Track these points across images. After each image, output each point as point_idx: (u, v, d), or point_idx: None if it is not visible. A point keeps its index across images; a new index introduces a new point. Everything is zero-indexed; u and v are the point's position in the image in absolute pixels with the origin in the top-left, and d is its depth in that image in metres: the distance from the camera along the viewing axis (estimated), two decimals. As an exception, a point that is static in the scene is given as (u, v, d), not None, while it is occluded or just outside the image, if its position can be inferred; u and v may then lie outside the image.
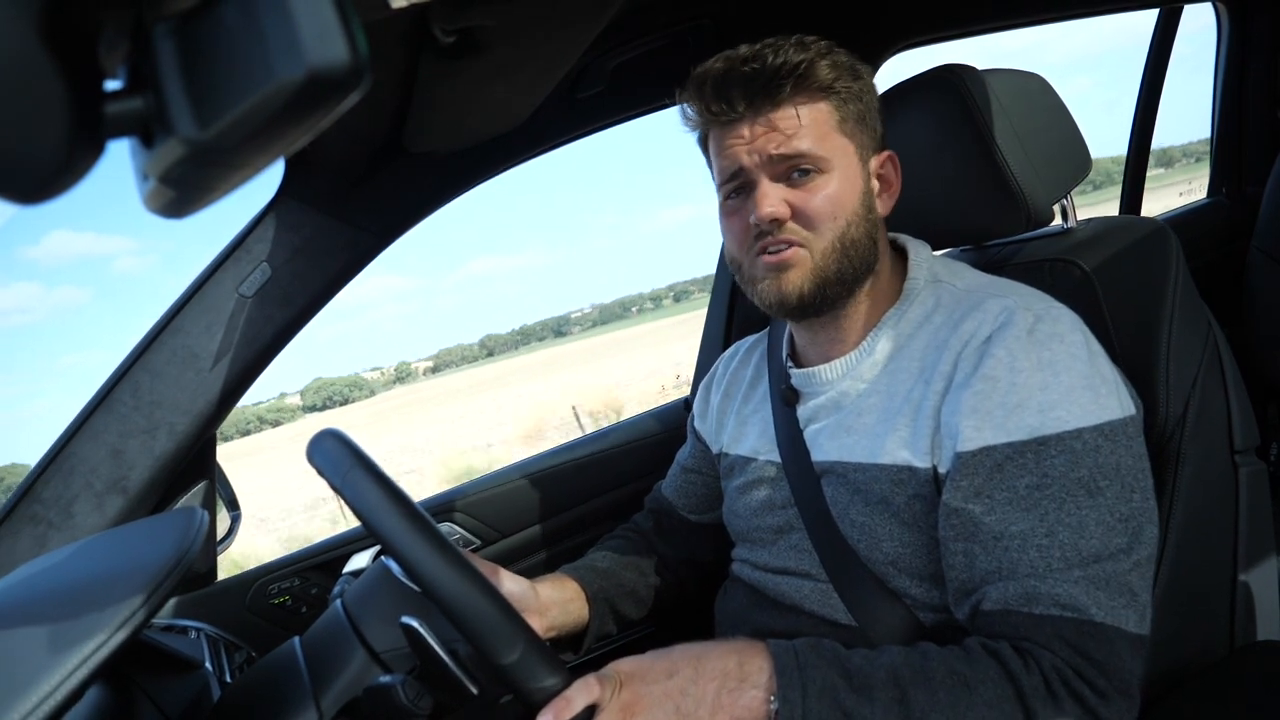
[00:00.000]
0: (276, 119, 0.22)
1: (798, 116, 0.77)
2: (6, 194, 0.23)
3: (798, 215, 0.78)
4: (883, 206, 0.83)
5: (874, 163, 0.82)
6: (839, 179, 0.78)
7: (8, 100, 0.21)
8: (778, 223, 0.78)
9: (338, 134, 0.96)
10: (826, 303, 0.80)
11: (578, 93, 1.18)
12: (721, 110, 0.79)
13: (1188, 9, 1.88)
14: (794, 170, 0.78)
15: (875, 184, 0.82)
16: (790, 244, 0.78)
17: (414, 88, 0.87)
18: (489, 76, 0.86)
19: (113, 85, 0.25)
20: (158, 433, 1.01)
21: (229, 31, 0.22)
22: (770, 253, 0.79)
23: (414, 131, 0.99)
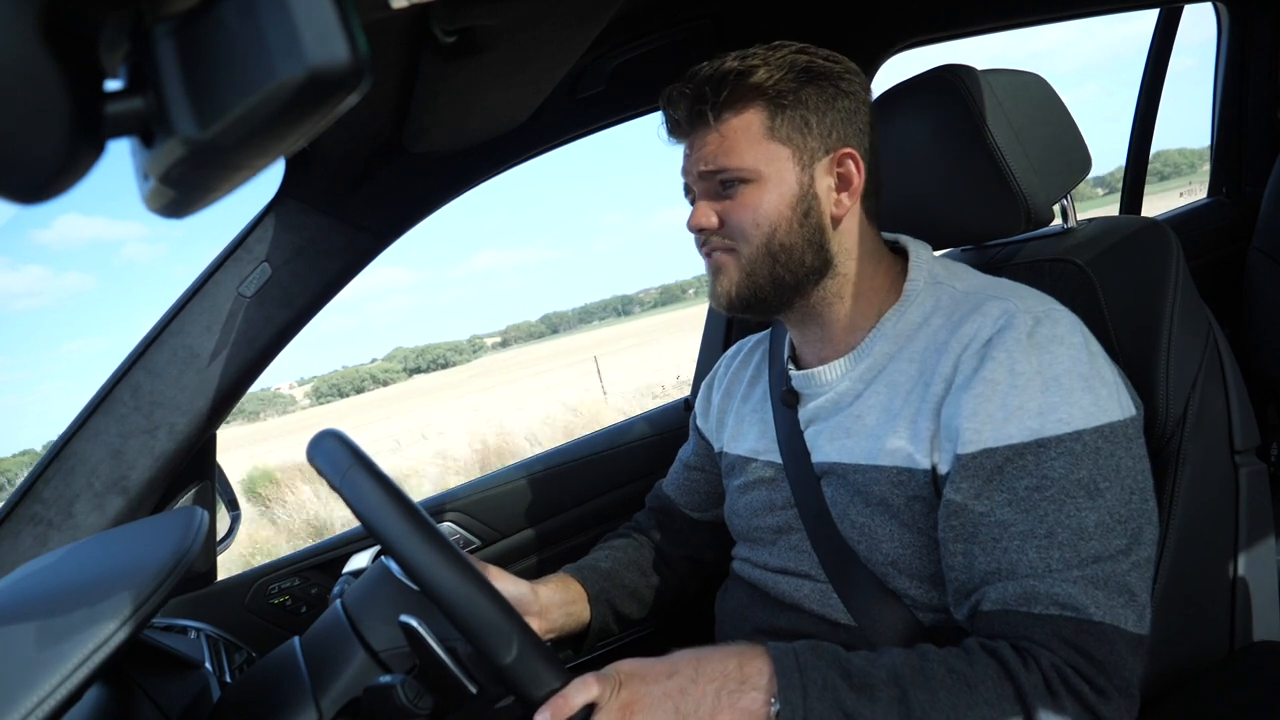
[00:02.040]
0: (276, 119, 0.22)
1: (719, 133, 0.80)
2: (6, 194, 0.23)
3: (725, 225, 0.82)
4: (839, 206, 0.81)
5: (825, 163, 0.80)
6: (767, 188, 0.79)
7: (8, 100, 0.21)
8: (705, 232, 0.83)
9: (338, 134, 0.96)
10: (764, 305, 0.83)
11: (578, 93, 1.18)
12: (673, 124, 0.84)
13: (1189, 11, 1.88)
14: (722, 183, 0.81)
15: (829, 182, 0.81)
16: (719, 249, 0.83)
17: (414, 88, 0.87)
18: (489, 76, 0.86)
19: (113, 85, 0.25)
20: (158, 433, 1.01)
21: (229, 31, 0.22)
22: (709, 258, 0.84)
23: (414, 131, 0.99)
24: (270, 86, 0.21)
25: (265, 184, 1.11)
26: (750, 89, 0.78)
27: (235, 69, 0.22)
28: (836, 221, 0.82)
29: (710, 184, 0.82)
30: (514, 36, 0.77)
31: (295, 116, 0.22)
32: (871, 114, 0.84)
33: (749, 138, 0.79)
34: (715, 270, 0.84)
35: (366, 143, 1.03)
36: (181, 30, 0.23)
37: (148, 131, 0.25)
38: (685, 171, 0.85)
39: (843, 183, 0.82)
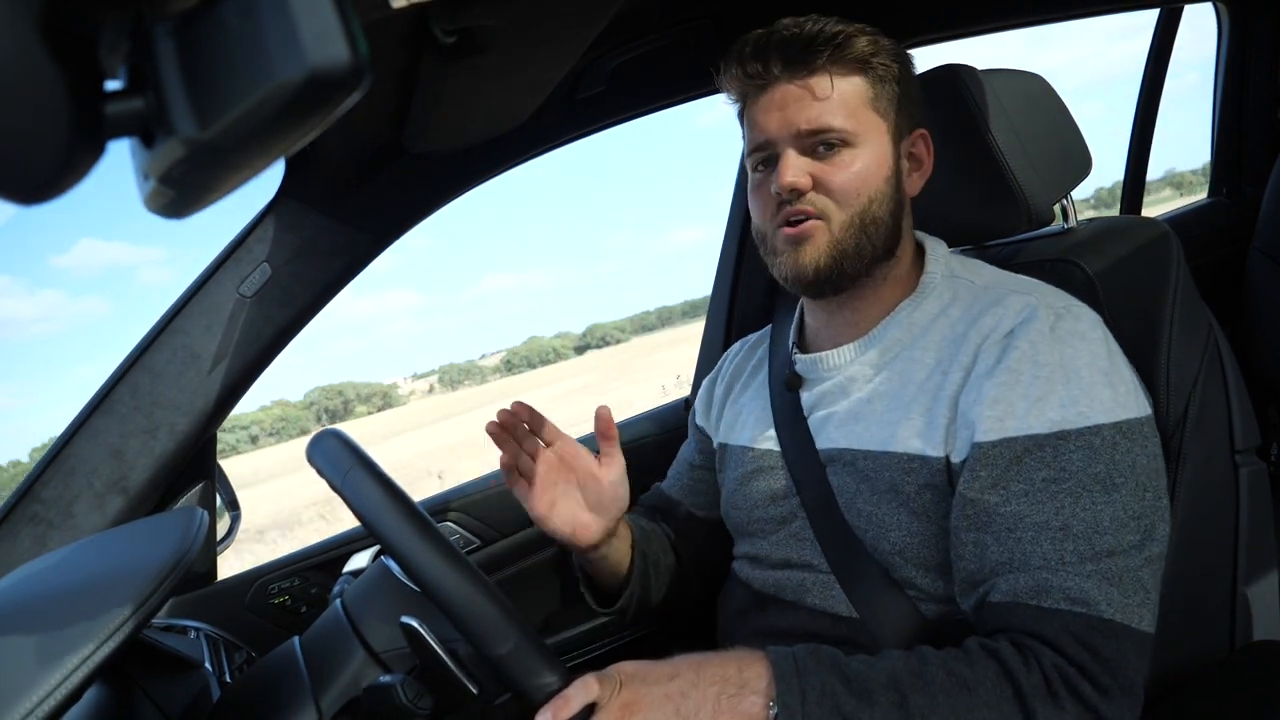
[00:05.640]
0: (276, 119, 0.22)
1: (831, 84, 0.77)
2: (6, 194, 0.23)
3: (820, 187, 0.78)
4: (912, 186, 0.84)
5: (906, 142, 0.83)
6: (866, 155, 0.79)
7: (8, 100, 0.21)
8: (797, 192, 0.78)
9: (338, 134, 0.96)
10: (844, 278, 0.80)
11: (578, 93, 1.18)
12: (757, 73, 0.80)
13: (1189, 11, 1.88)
14: (820, 144, 0.78)
15: (905, 164, 0.83)
16: (809, 215, 0.79)
17: (414, 88, 0.87)
18: (489, 76, 0.86)
19: (113, 85, 0.25)
20: (158, 433, 1.01)
21: (229, 32, 0.22)
22: (791, 224, 0.80)
23: (414, 131, 0.99)
24: (270, 87, 0.21)
25: (265, 184, 1.11)
26: (856, 56, 0.78)
27: (235, 69, 0.22)
28: (908, 202, 0.84)
29: (806, 143, 0.79)
30: (514, 37, 0.77)
31: (295, 117, 0.22)
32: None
33: (852, 102, 0.78)
34: (797, 240, 0.79)
35: (366, 143, 1.03)
36: (181, 30, 0.23)
37: (148, 132, 0.25)
38: (772, 126, 0.79)
39: (915, 162, 0.84)
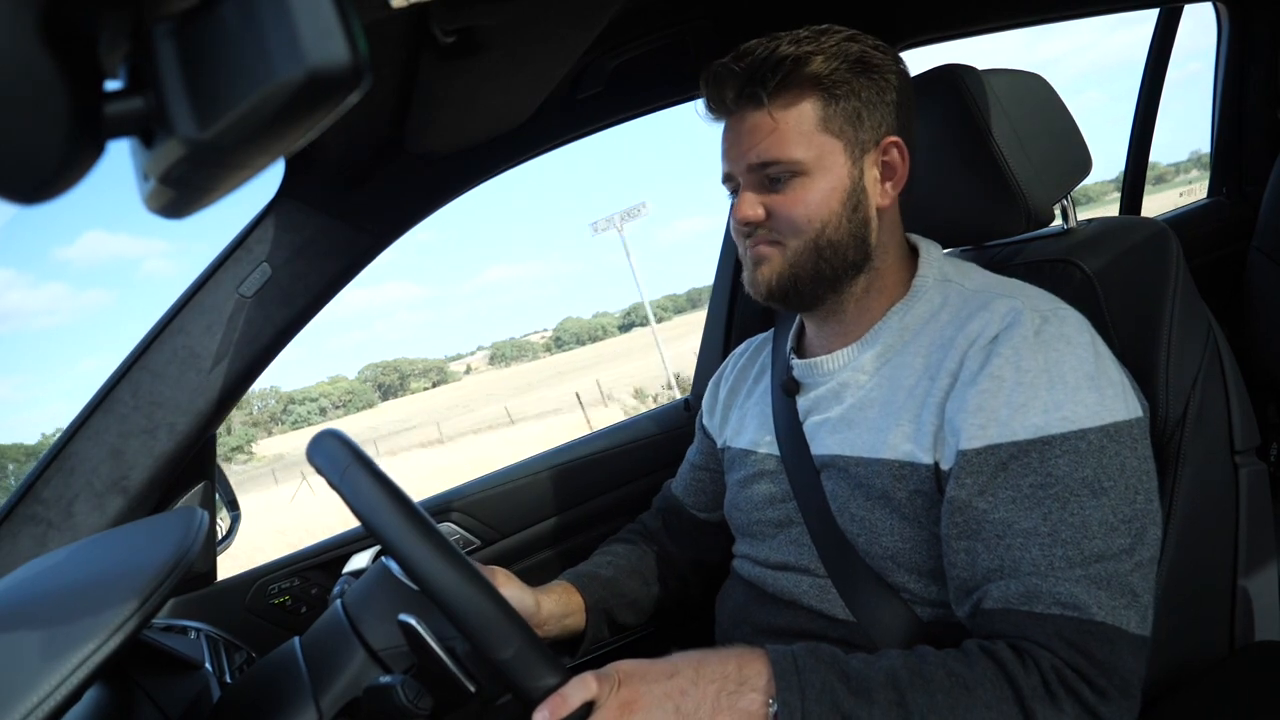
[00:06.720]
0: (276, 119, 0.22)
1: (773, 119, 0.78)
2: (6, 194, 0.23)
3: (772, 218, 0.81)
4: (884, 196, 0.82)
5: (873, 153, 0.81)
6: (820, 181, 0.79)
7: (8, 100, 0.21)
8: (752, 225, 0.82)
9: (338, 134, 0.96)
10: (800, 297, 0.83)
11: (578, 93, 1.18)
12: (713, 106, 0.83)
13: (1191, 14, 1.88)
14: (770, 176, 0.80)
15: (875, 173, 0.81)
16: (765, 243, 0.82)
17: (414, 88, 0.87)
18: (489, 76, 0.86)
19: (113, 85, 0.25)
20: (158, 433, 1.01)
21: (229, 31, 0.22)
22: (752, 250, 0.84)
23: (414, 131, 0.99)
24: (270, 87, 0.21)
25: (265, 184, 1.12)
26: (806, 79, 0.77)
27: (235, 69, 0.22)
28: (881, 213, 0.82)
29: (758, 175, 0.80)
30: (513, 36, 0.77)
31: (295, 117, 0.22)
32: (912, 104, 0.84)
33: (801, 129, 0.78)
34: (757, 260, 0.83)
35: (366, 143, 1.03)
36: (181, 30, 0.23)
37: (148, 131, 0.25)
38: (730, 159, 0.83)
39: (888, 171, 0.82)
